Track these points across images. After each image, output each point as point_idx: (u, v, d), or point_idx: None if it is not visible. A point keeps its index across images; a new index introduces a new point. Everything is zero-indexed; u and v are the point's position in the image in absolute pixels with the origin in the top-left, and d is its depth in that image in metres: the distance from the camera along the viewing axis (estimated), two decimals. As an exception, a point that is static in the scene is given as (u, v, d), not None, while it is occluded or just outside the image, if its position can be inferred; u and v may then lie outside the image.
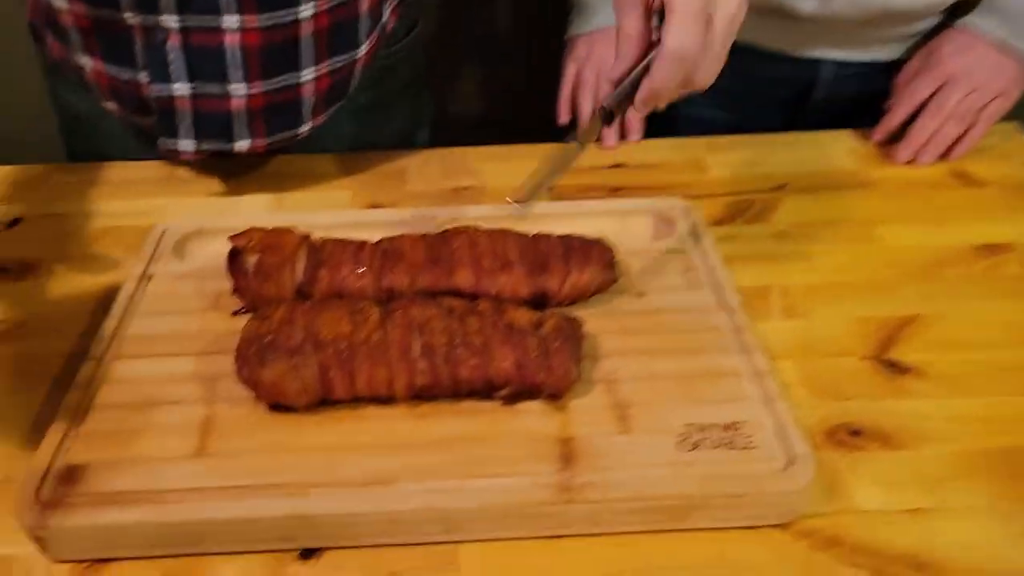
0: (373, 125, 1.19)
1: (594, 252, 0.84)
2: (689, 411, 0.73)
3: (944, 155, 1.13)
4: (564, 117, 1.25)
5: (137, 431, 0.72)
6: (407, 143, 1.23)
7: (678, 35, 0.67)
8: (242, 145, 1.01)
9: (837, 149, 1.19)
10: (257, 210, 1.05)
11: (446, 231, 0.86)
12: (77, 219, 1.05)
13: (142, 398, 0.75)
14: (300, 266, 0.82)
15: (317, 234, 0.88)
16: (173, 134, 0.99)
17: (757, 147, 1.18)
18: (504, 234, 0.85)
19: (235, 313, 0.85)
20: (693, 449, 0.70)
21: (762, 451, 0.70)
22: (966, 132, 1.12)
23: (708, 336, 0.81)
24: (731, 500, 0.67)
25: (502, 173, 1.13)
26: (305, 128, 1.05)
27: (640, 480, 0.67)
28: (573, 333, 0.75)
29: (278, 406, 0.73)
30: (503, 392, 0.73)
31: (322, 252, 0.83)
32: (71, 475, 0.67)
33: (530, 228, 0.89)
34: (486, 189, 1.10)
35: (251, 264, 0.81)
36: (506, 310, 0.76)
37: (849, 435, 0.77)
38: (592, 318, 0.83)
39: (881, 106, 1.19)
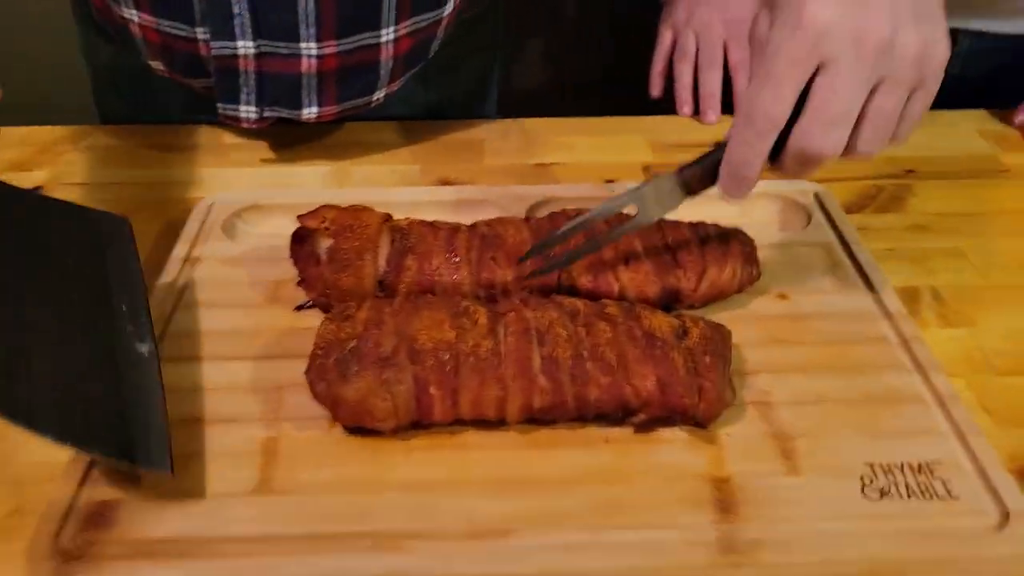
0: (440, 88, 1.04)
1: (733, 244, 0.70)
2: (868, 446, 0.60)
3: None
4: (656, 90, 1.10)
5: (183, 458, 0.58)
6: (475, 111, 1.08)
7: (760, 101, 0.55)
8: (310, 113, 0.87)
9: (967, 131, 1.05)
10: (316, 183, 0.91)
11: (554, 215, 0.72)
12: (108, 189, 0.91)
13: (188, 413, 0.62)
14: (383, 253, 0.68)
15: (397, 213, 0.74)
16: (233, 99, 0.85)
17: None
18: (623, 219, 0.71)
19: (300, 308, 0.71)
20: (882, 498, 0.56)
21: (966, 502, 0.56)
22: None
23: (873, 349, 0.67)
24: (936, 567, 0.53)
25: (591, 148, 0.99)
26: (380, 94, 0.90)
27: (823, 538, 0.54)
28: (723, 344, 0.62)
29: (359, 429, 0.59)
30: (639, 418, 0.59)
31: (409, 237, 0.69)
32: (100, 515, 0.54)
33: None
34: (575, 166, 0.96)
35: (324, 249, 0.67)
36: (641, 314, 0.62)
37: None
38: (730, 324, 0.69)
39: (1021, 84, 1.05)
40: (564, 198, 0.83)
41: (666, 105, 1.08)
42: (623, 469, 0.58)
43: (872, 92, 0.55)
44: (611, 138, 1.01)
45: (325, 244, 0.67)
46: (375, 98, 0.90)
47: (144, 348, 0.59)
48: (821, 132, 0.56)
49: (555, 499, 0.56)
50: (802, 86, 0.56)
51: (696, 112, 1.06)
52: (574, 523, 0.55)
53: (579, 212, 0.72)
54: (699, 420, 0.59)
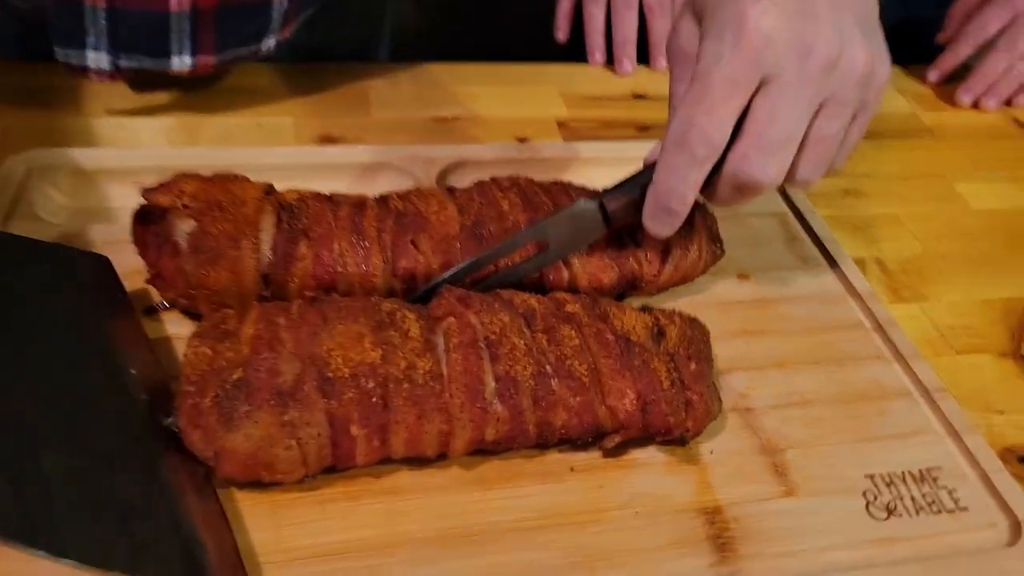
0: (325, 30, 0.87)
1: (696, 219, 0.59)
2: (863, 454, 0.52)
3: (1009, 101, 0.97)
4: (562, 34, 0.97)
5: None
6: (366, 54, 0.92)
7: (694, 125, 0.47)
8: (182, 63, 0.68)
9: (886, 88, 1.00)
10: (158, 140, 0.72)
11: (483, 184, 0.58)
12: None
13: None
14: (266, 238, 0.52)
15: (271, 179, 0.57)
16: (77, 42, 0.64)
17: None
18: (567, 190, 0.59)
19: (152, 311, 0.54)
20: (889, 517, 0.48)
21: (975, 514, 0.50)
22: (1001, 75, 0.96)
23: (849, 337, 0.60)
24: (955, 593, 0.46)
25: (497, 100, 0.86)
26: (271, 41, 0.72)
27: (833, 573, 0.45)
28: (704, 344, 0.51)
29: (251, 483, 0.44)
30: (611, 440, 0.48)
31: (300, 215, 0.53)
32: None
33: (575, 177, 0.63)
34: (480, 121, 0.82)
35: (184, 234, 0.51)
36: (608, 311, 0.50)
37: (1019, 462, 0.58)
38: (693, 313, 0.59)
39: (927, 39, 1.01)
40: (480, 161, 0.69)
41: (579, 51, 0.96)
42: (596, 506, 0.47)
43: (814, 115, 0.48)
44: (519, 88, 0.88)
45: (185, 228, 0.50)
46: (264, 47, 0.72)
47: (170, 420, 0.44)
48: (761, 159, 0.48)
49: (516, 553, 0.44)
50: (742, 108, 0.47)
51: (610, 61, 0.95)
52: (545, 583, 0.43)
53: (514, 181, 0.59)
54: (683, 438, 0.49)
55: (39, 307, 0.47)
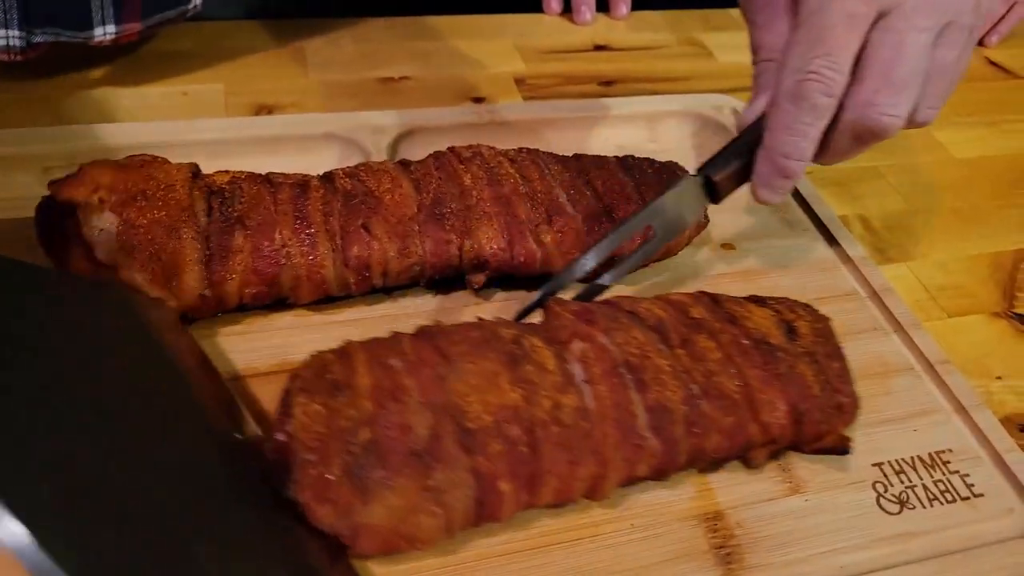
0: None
1: None
2: (870, 439, 0.48)
3: (980, 41, 0.93)
4: (554, 4, 0.88)
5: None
6: (304, 10, 0.83)
7: (811, 72, 0.43)
8: (105, 33, 0.59)
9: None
10: (72, 118, 0.63)
11: (440, 156, 0.52)
12: None
13: None
14: (198, 224, 0.45)
15: (199, 159, 0.50)
16: None
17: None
18: (535, 159, 0.53)
19: None
20: (902, 510, 0.45)
21: (991, 500, 0.46)
22: (1007, 12, 0.92)
23: (844, 307, 0.56)
24: (976, 588, 0.43)
25: (448, 57, 0.79)
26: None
27: (849, 578, 0.41)
28: (833, 335, 0.47)
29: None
30: (760, 456, 0.44)
31: (234, 200, 0.46)
32: None
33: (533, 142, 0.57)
34: (431, 81, 0.75)
35: (102, 232, 0.43)
36: (733, 310, 0.45)
37: (1021, 431, 0.55)
38: (675, 288, 0.54)
39: None
40: (436, 127, 0.63)
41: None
42: (588, 519, 0.42)
43: (934, 47, 0.43)
44: (470, 43, 0.80)
45: (104, 224, 0.43)
46: (192, 4, 0.63)
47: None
48: (890, 99, 0.43)
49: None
50: (860, 46, 0.42)
51: (567, 9, 0.87)
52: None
53: (475, 151, 0.52)
54: (843, 448, 0.45)
55: (109, 355, 0.37)
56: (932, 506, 0.45)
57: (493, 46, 0.81)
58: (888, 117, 0.44)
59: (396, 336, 0.41)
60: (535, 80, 0.78)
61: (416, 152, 0.63)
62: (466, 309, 0.52)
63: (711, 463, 0.44)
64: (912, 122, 0.46)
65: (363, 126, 0.61)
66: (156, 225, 0.43)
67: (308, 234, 0.46)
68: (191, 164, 0.48)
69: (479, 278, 0.50)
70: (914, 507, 0.45)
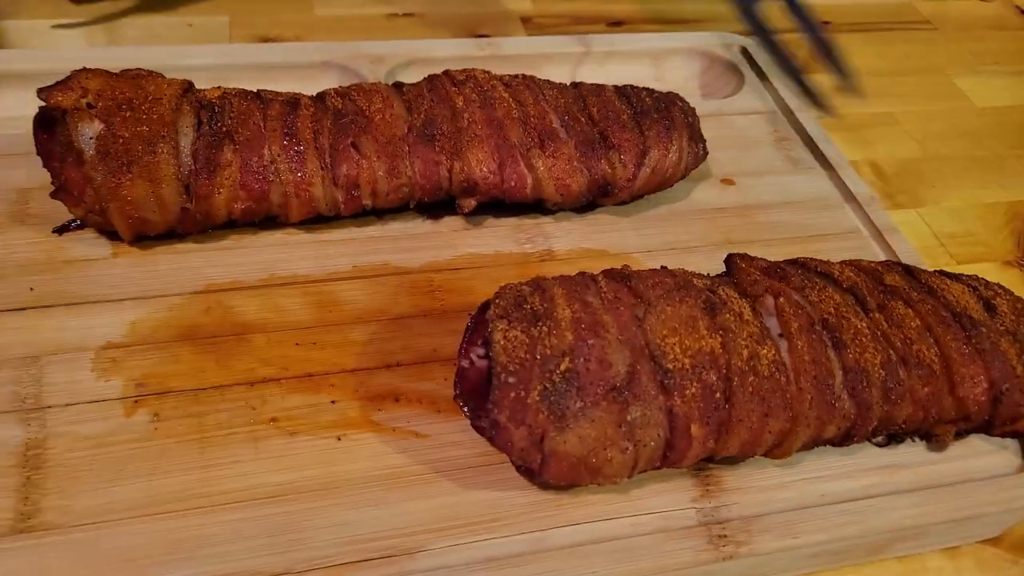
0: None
1: (676, 114, 0.52)
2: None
3: None
4: None
5: None
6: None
7: None
8: None
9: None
10: (72, 42, 0.63)
11: (434, 78, 0.51)
12: None
13: None
14: (186, 142, 0.45)
15: (199, 84, 0.50)
16: None
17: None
18: (530, 85, 0.52)
19: (61, 230, 0.48)
20: (889, 442, 0.44)
21: (983, 437, 0.45)
22: None
23: (844, 245, 0.55)
24: (962, 525, 0.42)
25: (456, -7, 0.77)
26: None
27: (830, 509, 0.40)
28: None
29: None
30: (947, 435, 0.43)
31: (223, 115, 0.46)
32: None
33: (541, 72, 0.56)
34: (436, 17, 0.74)
35: (88, 138, 0.43)
36: (931, 282, 0.44)
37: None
38: (673, 223, 0.53)
39: None
40: (434, 58, 0.62)
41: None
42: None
43: None
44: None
45: (90, 130, 0.43)
46: None
47: None
48: None
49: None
50: None
51: None
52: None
53: (469, 74, 0.52)
54: (1012, 431, 0.43)
55: None
56: (921, 440, 0.44)
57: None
58: None
59: (586, 274, 0.41)
60: (542, 19, 0.77)
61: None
62: (459, 235, 0.51)
63: (891, 436, 0.43)
64: None
65: (361, 55, 0.61)
66: (136, 138, 0.43)
67: (297, 151, 0.46)
68: (184, 80, 0.48)
69: (469, 202, 0.49)
70: (902, 440, 0.44)
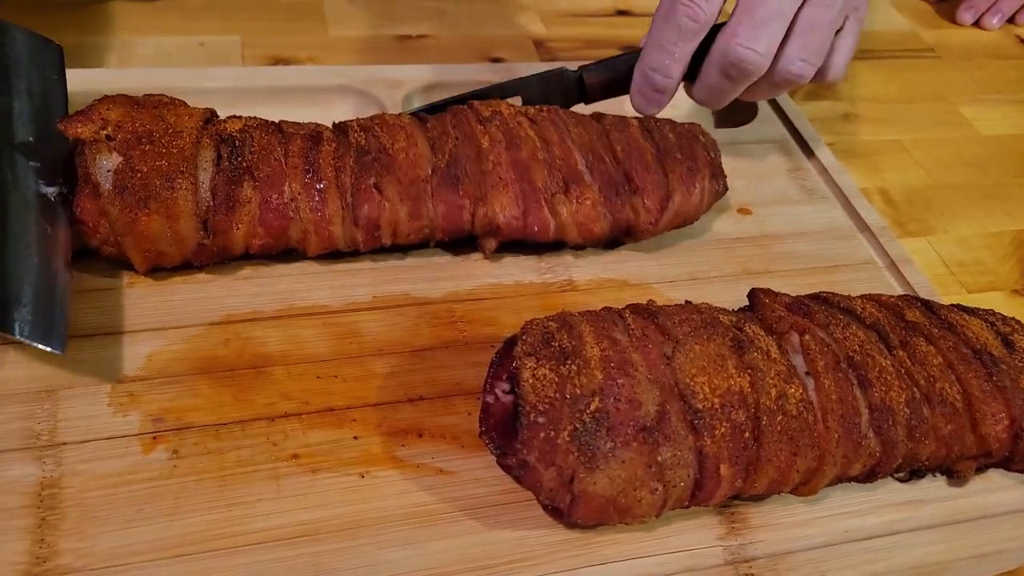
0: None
1: (698, 152, 0.52)
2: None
3: (1012, 18, 0.91)
4: None
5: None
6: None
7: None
8: None
9: (881, 3, 0.94)
10: (86, 62, 0.63)
11: (459, 113, 0.51)
12: None
13: None
14: (205, 176, 0.44)
15: (214, 106, 0.49)
16: None
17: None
18: (555, 120, 0.51)
19: (81, 254, 0.46)
20: (911, 477, 0.44)
21: (996, 475, 0.45)
22: None
23: (860, 276, 0.55)
24: (985, 561, 0.42)
25: (468, 17, 0.77)
26: None
27: (852, 547, 0.40)
28: None
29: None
30: (968, 471, 0.43)
31: (244, 149, 0.45)
32: None
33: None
34: (450, 40, 0.74)
35: (107, 171, 0.42)
36: (950, 318, 0.44)
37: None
38: (692, 253, 0.53)
39: None
40: (451, 83, 0.62)
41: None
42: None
43: (803, 4, 0.50)
44: (491, 5, 0.79)
45: (109, 163, 0.42)
46: None
47: (51, 191, 0.43)
48: (749, 33, 0.49)
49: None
50: None
51: None
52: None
53: (495, 110, 0.51)
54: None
55: None
56: (940, 481, 0.44)
57: (513, 8, 0.80)
58: (746, 50, 0.49)
59: (613, 310, 0.41)
60: (555, 43, 0.77)
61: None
62: (480, 264, 0.51)
63: (912, 471, 0.43)
64: (785, 69, 0.51)
65: (379, 79, 0.60)
66: (155, 173, 0.42)
67: (318, 189, 0.45)
68: (206, 110, 0.47)
69: (491, 243, 0.49)
70: (924, 475, 0.44)
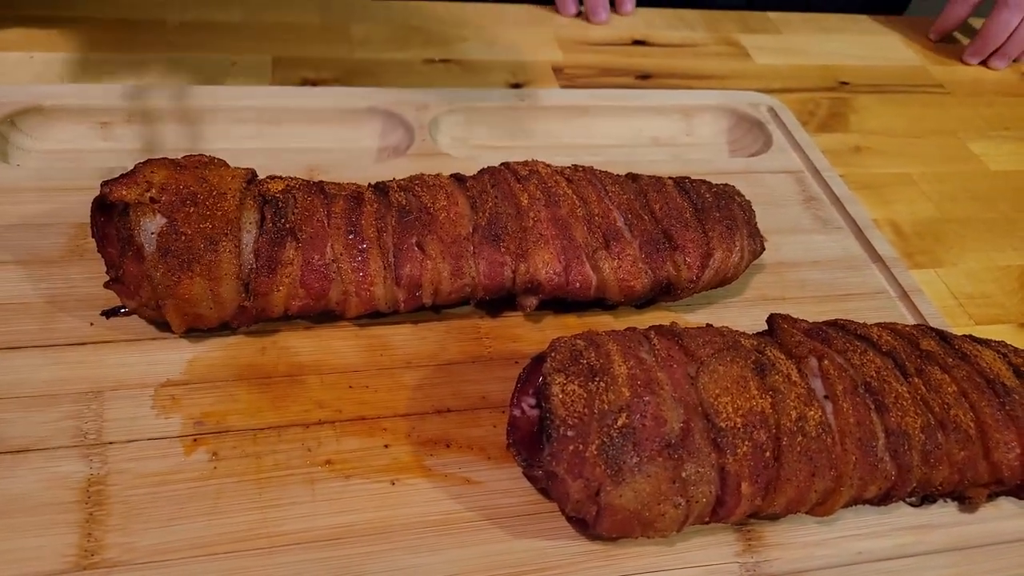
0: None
1: (735, 212, 0.53)
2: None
3: (985, 62, 0.94)
4: (571, 6, 0.88)
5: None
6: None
7: None
8: None
9: (892, 40, 0.96)
10: (128, 78, 0.65)
11: (496, 172, 0.51)
12: None
13: None
14: (248, 238, 0.44)
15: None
16: None
17: (796, 29, 0.92)
18: (592, 180, 0.52)
19: (110, 314, 0.47)
20: (923, 503, 0.45)
21: (1006, 502, 0.46)
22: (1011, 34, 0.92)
23: (872, 305, 0.57)
24: (994, 584, 0.43)
25: (488, 43, 0.80)
26: None
27: (863, 567, 0.42)
28: None
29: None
30: (980, 498, 0.45)
31: (287, 210, 0.45)
32: None
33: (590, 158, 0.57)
34: (472, 64, 0.76)
35: (152, 232, 0.42)
36: (964, 348, 0.45)
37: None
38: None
39: None
40: (477, 108, 0.64)
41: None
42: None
43: None
44: (512, 31, 0.82)
45: (153, 225, 0.42)
46: None
47: None
48: None
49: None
50: None
51: (583, 7, 0.87)
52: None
53: (532, 169, 0.51)
54: None
55: None
56: (954, 500, 0.46)
57: (533, 35, 0.82)
58: None
59: (638, 331, 0.43)
60: (573, 70, 0.79)
61: (457, 131, 0.64)
62: (519, 329, 0.51)
63: (924, 496, 0.44)
64: None
65: (406, 102, 0.62)
66: (199, 236, 0.42)
67: (360, 250, 0.45)
68: (247, 170, 0.47)
69: (531, 302, 0.49)
70: (935, 500, 0.45)
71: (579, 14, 0.87)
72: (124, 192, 0.42)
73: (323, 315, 0.48)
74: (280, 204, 0.45)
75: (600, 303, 0.51)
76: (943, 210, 0.72)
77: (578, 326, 0.52)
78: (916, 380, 0.43)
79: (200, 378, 0.44)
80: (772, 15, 0.94)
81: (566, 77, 0.78)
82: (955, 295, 0.64)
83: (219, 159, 0.47)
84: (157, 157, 0.45)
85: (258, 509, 0.39)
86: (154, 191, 0.43)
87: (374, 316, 0.49)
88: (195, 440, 0.41)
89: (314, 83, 0.70)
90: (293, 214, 0.45)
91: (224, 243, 0.43)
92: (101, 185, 0.43)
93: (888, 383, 0.42)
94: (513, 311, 0.52)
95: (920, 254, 0.67)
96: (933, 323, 0.55)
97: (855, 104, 0.83)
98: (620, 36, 0.86)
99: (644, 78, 0.81)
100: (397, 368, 0.47)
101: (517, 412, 0.41)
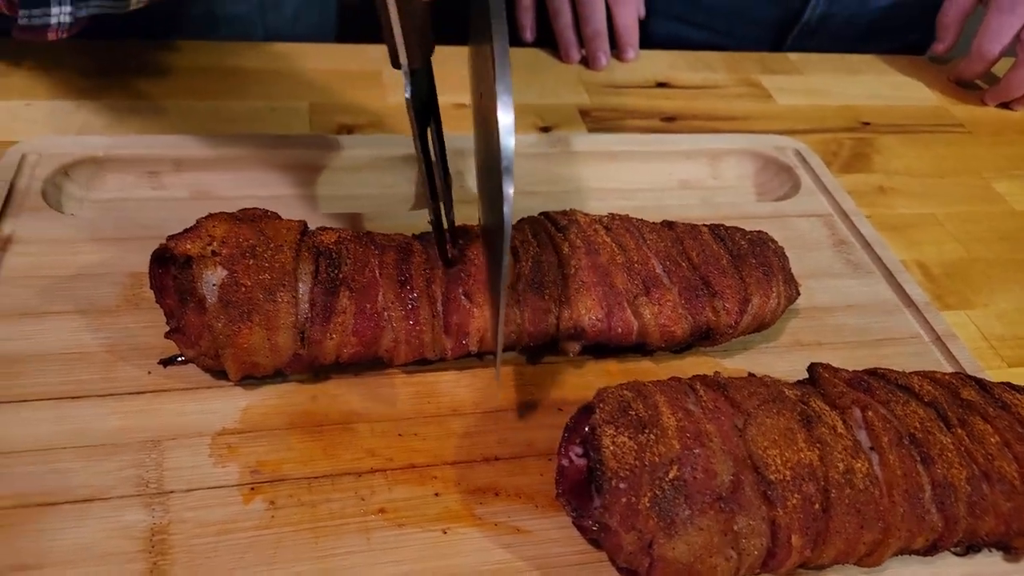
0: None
1: (771, 259, 0.54)
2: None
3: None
4: (529, 33, 0.89)
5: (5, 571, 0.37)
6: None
7: None
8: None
9: (913, 80, 0.98)
10: (170, 125, 0.67)
11: (536, 223, 0.53)
12: None
13: (9, 490, 0.41)
14: (304, 288, 0.45)
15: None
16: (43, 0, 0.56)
17: (816, 69, 0.94)
18: (629, 228, 0.53)
19: (167, 363, 0.48)
20: (967, 552, 0.46)
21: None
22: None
23: (908, 351, 0.57)
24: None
25: (515, 87, 0.81)
26: None
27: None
28: None
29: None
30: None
31: (340, 261, 0.47)
32: None
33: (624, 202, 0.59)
34: (505, 109, 0.77)
35: (214, 284, 0.44)
36: (1002, 396, 0.46)
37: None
38: (746, 323, 0.56)
39: (889, 28, 1.00)
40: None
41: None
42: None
43: None
44: (539, 75, 0.83)
45: (214, 277, 0.44)
46: None
47: None
48: None
49: None
50: None
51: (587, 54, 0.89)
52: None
53: (570, 219, 0.53)
54: None
55: None
56: (997, 551, 0.46)
57: (559, 78, 0.84)
58: None
59: (683, 381, 0.43)
60: (599, 112, 0.81)
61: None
62: (562, 375, 0.52)
63: (969, 546, 0.45)
64: None
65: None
66: (258, 286, 0.44)
67: (411, 299, 0.47)
68: (300, 222, 0.48)
69: (575, 347, 0.50)
70: (980, 550, 0.46)
71: (583, 60, 0.88)
72: (188, 246, 0.44)
73: (370, 362, 0.49)
74: (334, 255, 0.47)
75: (639, 348, 0.52)
76: (970, 251, 0.73)
77: (619, 371, 0.53)
78: (959, 431, 0.43)
79: (255, 426, 0.45)
80: (792, 56, 0.96)
81: (593, 119, 0.80)
82: (986, 337, 0.65)
83: (272, 212, 0.49)
84: (216, 212, 0.47)
85: (316, 559, 0.40)
86: (215, 244, 0.44)
87: (419, 363, 0.50)
88: (252, 489, 0.42)
89: (350, 129, 0.71)
90: (346, 265, 0.46)
91: (282, 294, 0.44)
92: (167, 239, 0.44)
93: (932, 434, 0.42)
94: (554, 355, 0.53)
95: (950, 295, 0.68)
96: (968, 367, 0.56)
97: (878, 144, 0.84)
98: (644, 79, 0.87)
99: (669, 120, 0.82)
100: (444, 415, 0.48)
101: (565, 462, 0.41)
